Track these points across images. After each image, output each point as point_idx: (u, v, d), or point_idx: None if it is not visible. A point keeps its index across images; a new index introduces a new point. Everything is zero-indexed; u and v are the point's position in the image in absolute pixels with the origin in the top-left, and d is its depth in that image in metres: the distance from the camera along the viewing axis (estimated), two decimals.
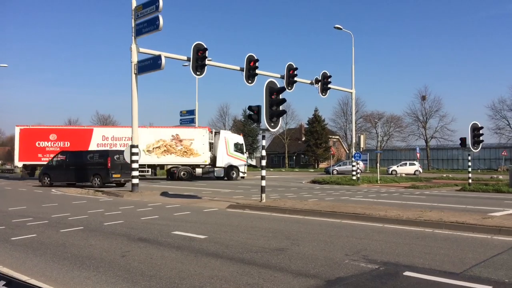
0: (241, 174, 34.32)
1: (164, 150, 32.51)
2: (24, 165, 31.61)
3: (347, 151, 68.63)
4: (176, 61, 20.88)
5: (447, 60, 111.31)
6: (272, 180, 35.86)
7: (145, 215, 12.23)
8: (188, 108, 45.91)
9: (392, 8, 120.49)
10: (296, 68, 24.00)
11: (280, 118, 15.37)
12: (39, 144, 31.35)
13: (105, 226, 10.26)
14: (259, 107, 14.47)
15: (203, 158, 32.81)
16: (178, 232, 9.20)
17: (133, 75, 19.33)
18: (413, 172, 45.54)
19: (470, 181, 26.27)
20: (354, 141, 33.95)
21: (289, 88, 24.06)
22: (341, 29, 31.30)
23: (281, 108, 15.05)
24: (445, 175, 42.32)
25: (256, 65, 21.23)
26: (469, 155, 26.66)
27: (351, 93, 32.53)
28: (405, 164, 50.07)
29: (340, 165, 50.25)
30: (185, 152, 32.59)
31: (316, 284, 5.39)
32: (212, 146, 33.50)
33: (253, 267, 6.23)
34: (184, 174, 32.71)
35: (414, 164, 47.60)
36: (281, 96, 14.91)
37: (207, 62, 19.60)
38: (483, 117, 79.06)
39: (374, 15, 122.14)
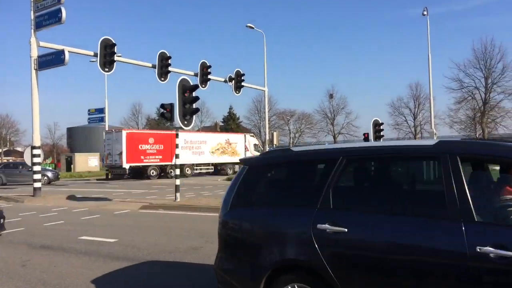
0: None
1: (222, 151, 39.19)
2: (130, 166, 33.26)
3: (261, 148, 70.11)
4: (83, 56, 19.74)
5: (353, 60, 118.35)
6: (188, 178, 35.45)
7: (49, 220, 11.41)
8: (97, 107, 43.75)
9: (302, 7, 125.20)
10: (210, 66, 23.93)
11: (194, 116, 15.23)
12: (141, 147, 33.45)
13: (3, 234, 9.40)
14: (171, 105, 14.21)
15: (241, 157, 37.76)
16: (86, 237, 8.73)
17: (33, 71, 17.91)
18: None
19: None
20: (267, 138, 34.74)
21: (203, 86, 23.91)
22: (253, 28, 31.83)
23: (194, 106, 14.90)
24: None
25: (169, 62, 20.80)
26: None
27: (264, 91, 33.27)
28: None
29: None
30: (233, 152, 39.64)
31: None
32: (244, 147, 41.05)
33: (168, 268, 6.12)
34: (230, 169, 38.91)
35: None
36: (194, 94, 14.78)
37: (116, 58, 18.78)
38: (384, 114, 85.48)
39: (284, 13, 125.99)
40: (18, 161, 40.83)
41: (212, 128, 76.95)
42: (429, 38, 26.35)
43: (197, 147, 37.00)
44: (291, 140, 67.25)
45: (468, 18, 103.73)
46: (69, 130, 73.15)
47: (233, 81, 27.20)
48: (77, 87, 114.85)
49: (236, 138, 40.74)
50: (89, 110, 44.05)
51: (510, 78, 34.92)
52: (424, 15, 26.07)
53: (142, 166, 33.86)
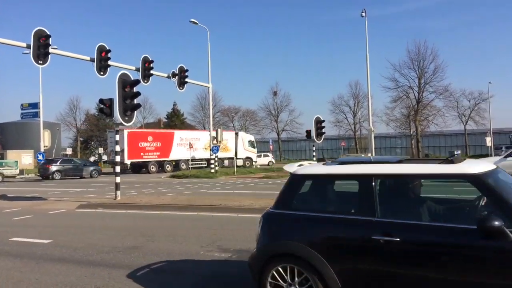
0: (253, 163, 44.22)
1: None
2: (131, 162, 36.26)
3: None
4: (16, 48, 18.53)
5: (296, 59, 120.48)
6: (129, 176, 34.52)
7: None
8: (31, 101, 41.38)
9: (246, 5, 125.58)
10: (152, 61, 23.31)
11: (135, 112, 14.84)
12: (141, 144, 36.52)
13: None
14: (111, 100, 13.76)
15: (232, 153, 42.15)
16: (17, 239, 8.25)
17: None
18: (267, 163, 48.45)
19: None
20: (212, 135, 34.53)
21: (145, 81, 23.26)
22: (196, 23, 31.49)
23: (136, 101, 14.53)
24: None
25: (109, 55, 19.96)
26: (313, 145, 29.34)
27: (208, 87, 33.04)
28: (260, 156, 52.94)
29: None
30: (224, 148, 41.02)
31: (170, 278, 5.36)
32: (236, 144, 43.48)
33: (104, 269, 5.92)
34: (217, 164, 39.38)
35: (268, 156, 50.69)
36: (135, 89, 14.40)
37: (51, 50, 17.81)
38: (326, 112, 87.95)
39: (228, 11, 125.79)
40: None
41: (156, 125, 75.43)
42: (367, 39, 27.41)
43: (192, 144, 39.24)
44: None
45: (403, 20, 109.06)
46: (0, 126, 68.65)
47: (177, 77, 26.74)
48: (9, 80, 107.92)
49: (227, 135, 42.80)
50: (22, 105, 41.58)
51: (441, 78, 37.23)
52: (362, 16, 27.04)
53: (142, 162, 36.72)
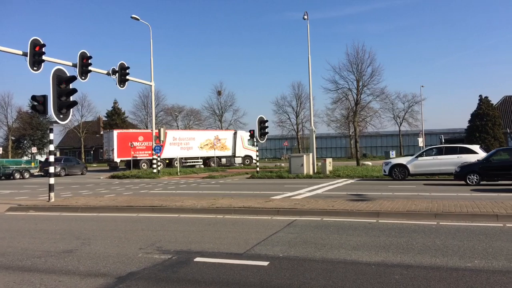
0: (253, 161, 44.27)
1: (210, 146, 42.98)
2: (121, 160, 39.06)
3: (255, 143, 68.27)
4: None
5: (240, 58, 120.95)
6: (65, 177, 33.04)
7: None
8: None
9: (189, 6, 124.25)
10: (91, 57, 22.48)
11: (71, 109, 14.21)
12: (132, 144, 38.72)
13: None
14: (45, 97, 13.09)
15: (231, 151, 45.14)
16: None
17: None
18: (196, 164, 48.19)
19: (258, 169, 29.27)
20: (154, 134, 33.82)
21: (83, 78, 22.39)
22: (138, 19, 30.71)
23: (72, 98, 13.91)
24: (237, 165, 46.08)
25: (43, 50, 19.04)
26: (256, 145, 29.62)
27: (151, 85, 32.34)
28: None
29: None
30: (222, 147, 44.44)
31: (106, 283, 5.20)
32: (235, 143, 45.39)
33: (35, 274, 5.63)
34: (214, 163, 42.92)
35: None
36: (72, 86, 13.79)
37: None
38: (269, 112, 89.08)
39: (174, 9, 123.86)
40: None
41: (95, 123, 72.64)
42: (309, 41, 28.07)
43: (186, 143, 42.56)
44: None
45: (344, 24, 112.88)
46: None
47: (117, 74, 25.96)
48: None
49: (226, 135, 45.79)
50: None
51: (378, 81, 38.85)
52: (304, 19, 27.66)
53: (133, 160, 38.52)
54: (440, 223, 8.57)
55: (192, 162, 42.62)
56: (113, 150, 38.19)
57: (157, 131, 31.37)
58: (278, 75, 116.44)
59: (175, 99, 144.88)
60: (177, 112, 66.94)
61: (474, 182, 17.30)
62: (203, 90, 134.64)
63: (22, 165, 35.22)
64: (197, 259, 6.18)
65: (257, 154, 37.68)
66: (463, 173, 17.68)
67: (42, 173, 34.20)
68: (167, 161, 40.74)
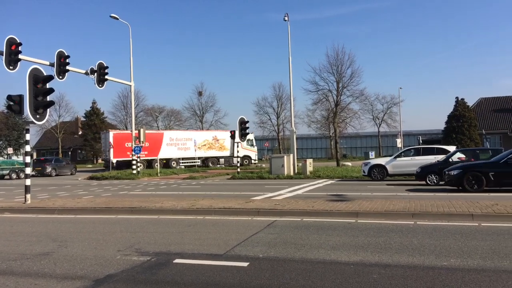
0: (252, 161, 45.63)
1: (208, 147, 43.72)
2: (117, 161, 38.87)
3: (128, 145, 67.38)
4: None
5: (221, 59, 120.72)
6: (43, 178, 32.43)
7: None
8: None
9: (169, 7, 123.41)
10: (68, 56, 22.06)
11: (48, 109, 13.94)
12: (127, 145, 37.89)
13: None
14: (21, 97, 12.79)
15: (230, 152, 44.58)
16: None
17: None
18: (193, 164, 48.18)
19: (239, 170, 29.25)
20: (134, 135, 33.45)
21: (60, 77, 21.95)
22: (117, 19, 30.35)
23: (49, 98, 13.64)
24: (218, 166, 46.00)
25: (20, 49, 18.61)
26: (237, 146, 29.60)
27: (130, 85, 31.98)
28: None
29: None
30: (221, 148, 45.02)
31: (83, 285, 5.11)
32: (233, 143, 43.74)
33: (10, 278, 5.50)
34: (212, 163, 43.86)
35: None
36: (48, 86, 13.52)
37: None
38: (250, 113, 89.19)
39: (154, 8, 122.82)
40: None
41: (73, 124, 71.46)
42: (290, 42, 28.22)
43: (183, 143, 42.80)
44: None
45: (324, 26, 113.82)
46: None
47: (96, 73, 25.57)
48: None
49: (224, 135, 45.17)
50: None
51: (357, 83, 39.25)
52: (285, 20, 27.80)
53: (129, 160, 37.31)
54: (418, 222, 8.72)
55: (190, 162, 42.83)
56: (109, 150, 38.62)
57: (136, 131, 31.02)
58: (259, 76, 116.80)
59: (156, 100, 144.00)
60: (158, 113, 66.37)
61: (433, 182, 17.61)
62: (184, 91, 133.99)
63: (16, 166, 35.64)
64: (177, 260, 6.14)
65: (256, 154, 38.09)
66: (423, 174, 18.01)
67: (34, 173, 34.54)
68: (164, 161, 40.98)
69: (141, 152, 38.99)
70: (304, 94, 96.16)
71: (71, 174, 37.85)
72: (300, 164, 26.95)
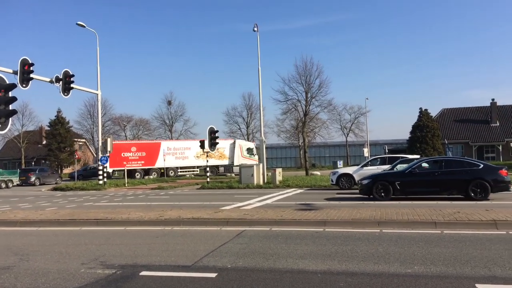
0: None
1: (207, 155, 45.28)
2: (113, 170, 40.15)
3: (95, 155, 65.86)
4: None
5: (192, 68, 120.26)
6: (4, 190, 31.24)
7: None
8: None
9: (141, 14, 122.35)
10: (33, 64, 21.49)
11: (11, 119, 13.47)
12: (123, 155, 39.70)
13: None
14: None
15: (229, 161, 44.83)
16: None
17: None
18: (160, 174, 47.64)
19: (208, 179, 29.07)
20: (101, 144, 32.77)
21: (24, 85, 21.29)
22: (84, 26, 29.82)
23: (11, 107, 13.20)
24: (187, 175, 45.57)
25: None
26: (207, 155, 29.45)
27: (97, 94, 31.36)
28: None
29: (86, 169, 48.01)
30: (220, 156, 44.47)
31: None
32: (233, 152, 44.90)
33: None
34: (211, 172, 41.12)
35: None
36: (11, 94, 13.09)
37: None
38: (220, 122, 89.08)
39: (123, 16, 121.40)
40: None
41: (37, 133, 69.27)
42: (259, 52, 28.47)
43: (181, 153, 43.38)
44: None
45: (293, 37, 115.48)
46: None
47: (61, 82, 24.96)
48: None
49: (224, 144, 44.73)
50: None
51: (325, 93, 39.94)
52: (254, 31, 28.04)
53: (126, 170, 38.86)
54: (383, 230, 8.91)
55: (188, 171, 43.44)
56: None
57: (103, 141, 30.38)
58: (229, 85, 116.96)
59: (124, 109, 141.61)
60: (125, 122, 65.30)
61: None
62: (153, 100, 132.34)
63: (5, 176, 36.64)
64: (143, 273, 6.03)
65: (257, 163, 37.68)
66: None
67: (19, 183, 36.49)
68: (162, 171, 41.97)
69: (138, 162, 40.57)
70: (273, 104, 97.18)
71: (56, 183, 37.06)
72: (270, 174, 27.05)
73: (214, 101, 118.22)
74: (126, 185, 30.33)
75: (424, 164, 15.86)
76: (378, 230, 8.93)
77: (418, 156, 22.18)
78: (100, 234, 9.64)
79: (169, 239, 8.75)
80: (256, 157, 47.14)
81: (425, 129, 49.41)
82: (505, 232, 8.38)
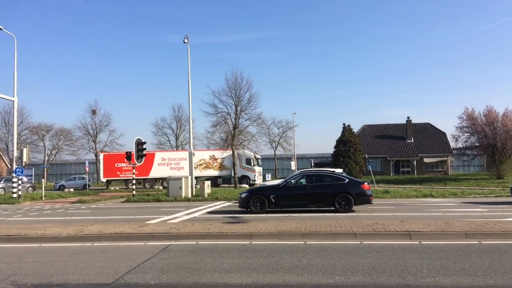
0: (251, 181, 43.83)
1: (205, 166, 44.26)
2: (107, 180, 43.65)
3: (9, 166, 61.05)
4: None
5: (118, 77, 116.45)
6: None
7: None
8: None
9: (67, 20, 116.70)
10: None
11: None
12: (117, 165, 42.26)
13: None
14: None
15: (230, 171, 43.42)
16: None
17: None
18: (82, 187, 45.23)
19: (134, 192, 28.12)
20: (16, 155, 30.47)
21: None
22: (1, 29, 27.82)
23: None
24: (112, 188, 43.77)
25: None
26: (133, 167, 28.53)
27: (13, 101, 29.24)
28: (74, 178, 48.97)
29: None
30: (220, 167, 45.04)
31: None
32: (233, 162, 42.84)
33: None
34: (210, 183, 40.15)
35: (83, 178, 47.22)
36: None
37: None
38: (148, 133, 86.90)
39: (45, 20, 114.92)
40: None
41: None
42: (189, 64, 28.32)
43: (176, 163, 43.91)
44: (47, 157, 60.99)
45: (223, 51, 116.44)
46: None
47: None
48: None
49: (224, 154, 44.62)
50: None
51: (255, 107, 40.49)
52: (185, 42, 27.89)
53: (120, 180, 41.61)
54: (307, 242, 9.16)
55: None
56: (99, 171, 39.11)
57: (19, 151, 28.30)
58: (158, 96, 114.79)
59: (43, 117, 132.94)
60: (44, 131, 61.36)
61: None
62: (76, 109, 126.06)
63: None
64: None
65: (256, 174, 36.80)
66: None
67: None
68: (156, 181, 42.56)
69: (131, 173, 38.87)
70: (203, 116, 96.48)
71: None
72: (198, 186, 26.76)
73: (143, 112, 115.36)
74: (44, 198, 28.41)
75: (301, 179, 16.66)
76: (303, 242, 9.16)
77: (341, 170, 23.11)
78: (12, 251, 8.91)
79: (89, 255, 8.31)
80: (256, 167, 46.31)
81: (348, 143, 51.79)
82: (418, 242, 8.97)
